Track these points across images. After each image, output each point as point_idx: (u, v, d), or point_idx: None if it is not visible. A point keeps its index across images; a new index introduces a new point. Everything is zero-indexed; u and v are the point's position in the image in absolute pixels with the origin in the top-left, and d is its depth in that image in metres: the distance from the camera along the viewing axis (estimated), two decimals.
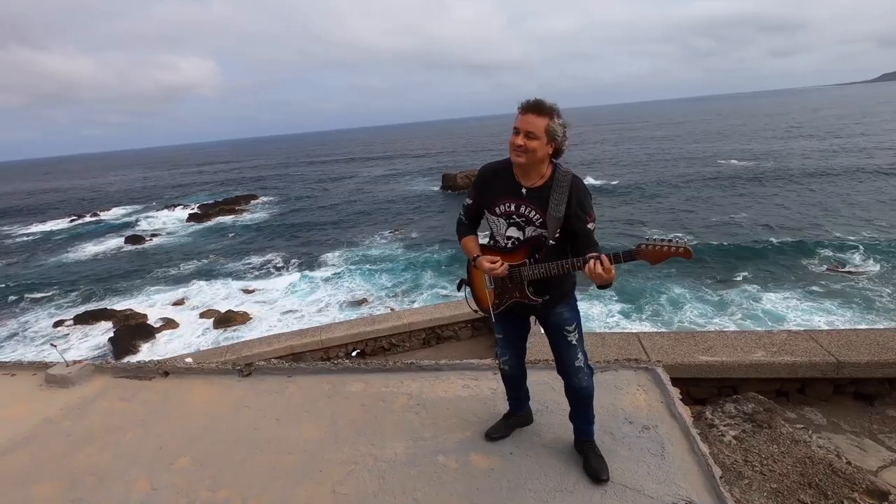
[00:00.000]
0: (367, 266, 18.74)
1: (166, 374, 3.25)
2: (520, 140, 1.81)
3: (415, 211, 29.13)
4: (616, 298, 13.32)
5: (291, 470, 2.27)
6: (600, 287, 1.78)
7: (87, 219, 37.31)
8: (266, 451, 2.41)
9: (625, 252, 1.76)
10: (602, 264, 1.71)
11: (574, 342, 2.03)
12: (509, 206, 1.94)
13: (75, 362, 3.33)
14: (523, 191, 1.91)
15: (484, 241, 2.12)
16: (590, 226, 1.89)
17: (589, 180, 31.91)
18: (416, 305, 13.58)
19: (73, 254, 26.30)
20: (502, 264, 1.93)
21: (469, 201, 2.09)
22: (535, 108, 1.79)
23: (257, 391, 2.95)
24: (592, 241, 1.89)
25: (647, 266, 1.83)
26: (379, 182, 44.50)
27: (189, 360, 3.72)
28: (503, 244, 2.00)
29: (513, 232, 1.96)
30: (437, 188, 36.14)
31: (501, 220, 1.97)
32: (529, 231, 1.93)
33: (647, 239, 1.74)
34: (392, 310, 12.37)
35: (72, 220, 36.84)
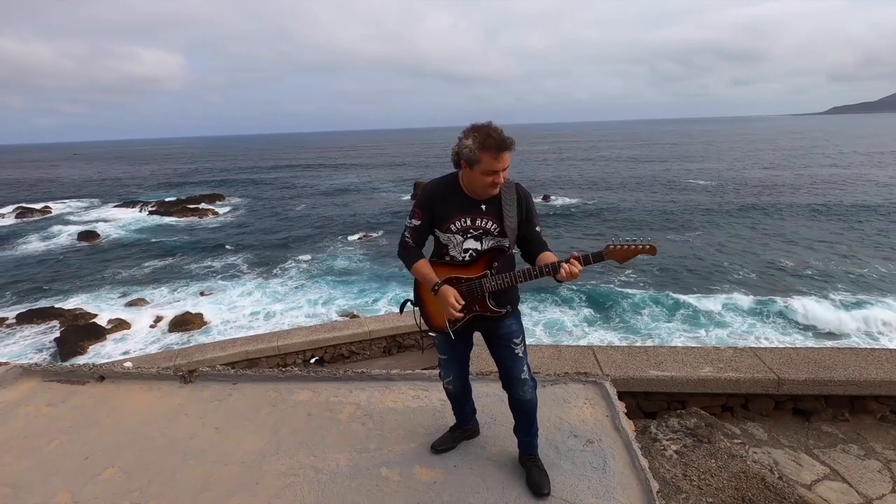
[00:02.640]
0: (333, 273, 18.44)
1: (102, 378, 3.07)
2: (501, 179, 1.84)
3: (385, 219, 28.93)
4: (584, 304, 13.60)
5: (226, 481, 2.17)
6: (561, 282, 1.86)
7: (37, 212, 35.37)
8: (201, 462, 2.30)
9: (594, 254, 1.84)
10: (576, 266, 1.79)
11: (520, 354, 2.03)
12: (465, 221, 1.92)
13: (0, 364, 3.11)
14: (483, 206, 1.91)
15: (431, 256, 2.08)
16: (537, 228, 1.96)
17: (564, 199, 32.51)
18: (379, 314, 13.45)
19: (18, 249, 24.82)
20: (461, 310, 1.90)
21: (416, 222, 1.97)
22: (509, 145, 1.79)
23: (198, 398, 2.82)
24: (542, 241, 1.96)
25: (616, 265, 1.90)
26: (350, 189, 44.04)
27: (128, 363, 3.54)
28: (461, 258, 1.95)
29: (471, 244, 1.93)
30: (407, 197, 36.07)
31: (458, 237, 1.94)
32: (488, 241, 1.93)
33: (614, 240, 1.84)
34: (353, 317, 12.20)
35: (18, 213, 34.84)
